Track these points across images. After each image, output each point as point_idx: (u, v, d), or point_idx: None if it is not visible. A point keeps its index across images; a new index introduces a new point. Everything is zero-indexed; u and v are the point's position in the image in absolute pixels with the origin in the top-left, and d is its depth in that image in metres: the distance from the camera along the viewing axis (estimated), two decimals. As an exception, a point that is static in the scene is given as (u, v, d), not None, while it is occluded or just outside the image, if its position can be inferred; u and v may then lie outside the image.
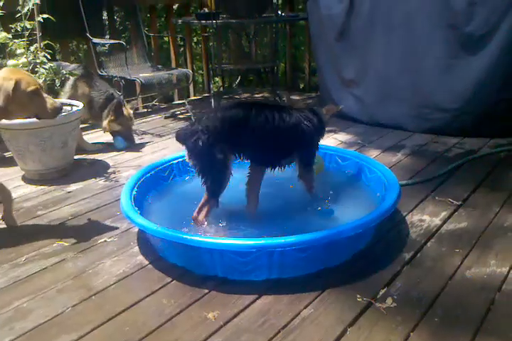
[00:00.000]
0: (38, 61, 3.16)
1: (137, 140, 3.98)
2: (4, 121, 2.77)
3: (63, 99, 3.49)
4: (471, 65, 3.58)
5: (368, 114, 4.20)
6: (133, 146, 3.82)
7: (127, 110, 3.69)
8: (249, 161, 2.40)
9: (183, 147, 2.28)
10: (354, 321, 1.74)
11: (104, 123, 3.66)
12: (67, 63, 3.81)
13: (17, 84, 2.21)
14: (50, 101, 2.33)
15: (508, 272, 1.99)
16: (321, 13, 4.26)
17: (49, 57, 3.25)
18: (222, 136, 2.20)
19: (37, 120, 2.55)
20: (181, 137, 2.26)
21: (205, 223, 2.27)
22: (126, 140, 3.75)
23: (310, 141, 2.41)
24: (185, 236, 1.95)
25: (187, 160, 2.30)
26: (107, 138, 3.87)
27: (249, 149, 2.31)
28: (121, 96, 3.77)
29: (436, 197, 2.72)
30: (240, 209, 2.43)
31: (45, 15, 3.19)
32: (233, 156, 2.30)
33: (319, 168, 2.74)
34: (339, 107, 2.61)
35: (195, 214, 2.28)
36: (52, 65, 3.23)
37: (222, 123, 2.21)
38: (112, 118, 3.63)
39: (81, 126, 3.57)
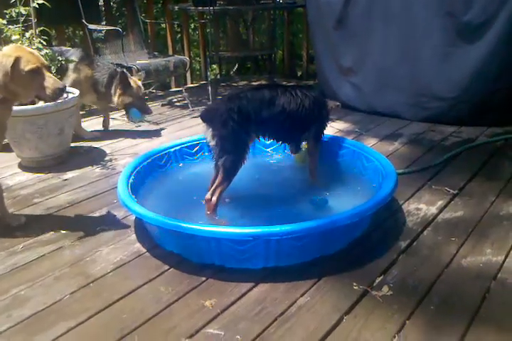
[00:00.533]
0: (33, 47, 3.13)
1: (133, 127, 3.97)
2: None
3: (66, 84, 3.47)
4: (469, 53, 3.57)
5: (365, 103, 4.19)
6: (148, 116, 3.80)
7: (134, 80, 3.60)
8: (271, 140, 2.59)
9: (207, 127, 2.29)
10: (350, 309, 1.75)
11: (115, 99, 3.57)
12: (67, 48, 3.77)
13: (16, 61, 2.08)
14: (51, 81, 2.18)
15: (504, 261, 2.01)
16: (319, 0, 4.22)
17: (44, 43, 3.22)
18: (250, 116, 2.27)
19: (33, 106, 2.51)
20: (207, 117, 2.30)
21: (217, 204, 2.28)
22: (140, 111, 3.63)
23: (326, 116, 2.60)
24: (182, 225, 1.95)
25: (209, 139, 2.31)
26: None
27: (274, 128, 2.42)
28: (125, 69, 3.68)
29: (433, 186, 2.73)
30: (237, 197, 2.44)
31: (41, 1, 3.14)
32: (255, 137, 2.42)
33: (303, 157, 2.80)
34: (337, 104, 2.76)
35: (208, 195, 2.28)
36: (48, 51, 3.19)
37: (251, 104, 2.29)
38: (121, 91, 3.54)
39: (80, 112, 3.56)
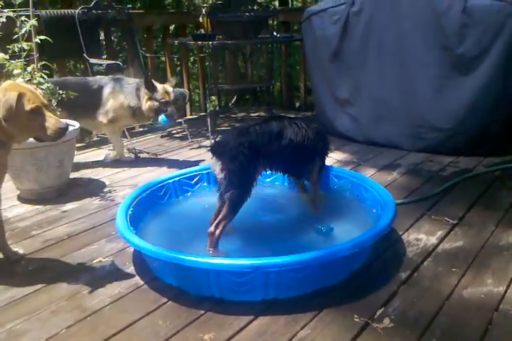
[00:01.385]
0: (34, 81, 3.18)
1: (133, 158, 3.99)
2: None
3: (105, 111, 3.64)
4: (464, 85, 3.63)
5: (362, 133, 4.23)
6: (174, 123, 3.85)
7: (162, 86, 3.56)
8: (278, 173, 2.66)
9: (216, 160, 2.32)
10: (351, 342, 1.72)
11: (143, 107, 3.57)
12: (101, 77, 3.89)
13: (19, 97, 1.99)
14: (52, 120, 2.09)
15: (505, 291, 1.99)
16: (315, 34, 4.33)
17: (46, 77, 3.27)
18: (260, 150, 2.32)
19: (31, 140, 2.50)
20: (217, 150, 2.33)
21: (219, 238, 2.26)
22: (167, 117, 3.56)
23: (327, 147, 2.68)
24: (181, 257, 1.94)
25: (217, 173, 2.32)
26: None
27: (282, 160, 2.47)
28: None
29: (432, 216, 2.73)
30: (240, 229, 2.44)
31: (43, 37, 3.22)
32: (263, 170, 2.46)
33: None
34: None
35: (212, 228, 2.26)
36: (48, 84, 3.25)
37: (261, 138, 2.34)
38: (147, 96, 3.53)
39: (77, 145, 3.58)
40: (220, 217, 2.28)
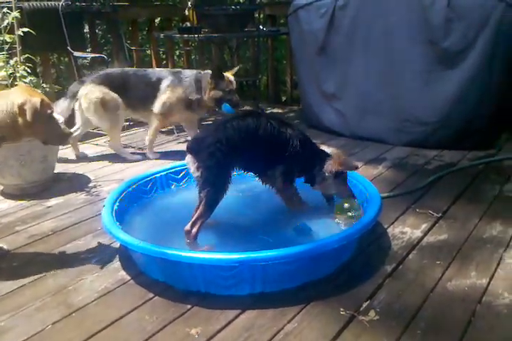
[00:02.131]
0: (17, 74, 3.14)
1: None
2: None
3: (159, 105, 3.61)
4: (449, 79, 3.65)
5: (349, 128, 4.25)
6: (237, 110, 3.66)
7: (225, 75, 3.52)
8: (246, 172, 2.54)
9: (192, 158, 2.28)
10: (338, 335, 1.74)
11: (205, 96, 3.54)
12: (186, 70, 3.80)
13: (43, 102, 2.07)
14: (61, 126, 2.23)
15: (488, 284, 2.02)
16: (301, 28, 4.32)
17: (29, 70, 3.23)
18: (237, 147, 2.27)
19: None
20: (194, 148, 2.29)
21: (195, 239, 2.23)
22: (231, 105, 3.51)
23: (295, 158, 2.42)
24: (167, 251, 1.93)
25: (192, 171, 2.30)
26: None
27: (253, 158, 2.40)
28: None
29: (417, 210, 2.75)
30: (223, 225, 2.44)
31: (25, 29, 3.18)
32: (235, 169, 2.40)
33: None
34: (355, 166, 2.53)
35: (188, 227, 2.24)
36: (32, 78, 3.20)
37: (238, 134, 2.29)
38: (212, 86, 3.49)
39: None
40: (196, 215, 2.26)
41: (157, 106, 3.64)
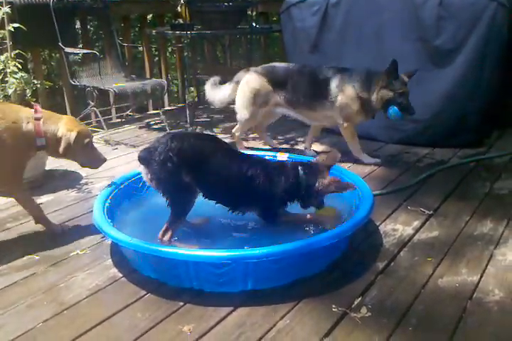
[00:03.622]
0: (8, 70, 3.11)
1: (110, 150, 3.94)
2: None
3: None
4: (440, 77, 3.67)
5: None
6: (406, 118, 3.36)
7: (400, 75, 3.22)
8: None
9: (144, 168, 2.22)
10: (329, 332, 1.75)
11: (373, 96, 3.25)
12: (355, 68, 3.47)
13: (78, 135, 2.34)
14: (97, 152, 2.52)
15: (479, 280, 2.03)
16: (294, 25, 4.32)
17: (20, 66, 3.20)
18: (188, 160, 2.17)
19: None
20: (145, 159, 2.19)
21: (172, 242, 2.20)
22: (401, 109, 3.18)
23: (264, 199, 2.30)
24: (160, 249, 1.93)
25: (148, 182, 2.25)
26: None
27: (207, 186, 2.28)
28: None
29: (409, 207, 2.76)
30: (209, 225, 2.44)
31: (16, 25, 3.15)
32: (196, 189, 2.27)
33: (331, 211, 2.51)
34: (338, 155, 2.42)
35: (160, 235, 2.21)
36: (23, 74, 3.17)
37: (192, 150, 2.19)
38: (383, 83, 3.19)
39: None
40: (166, 224, 2.22)
41: (337, 116, 3.44)
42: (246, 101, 3.59)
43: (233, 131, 3.81)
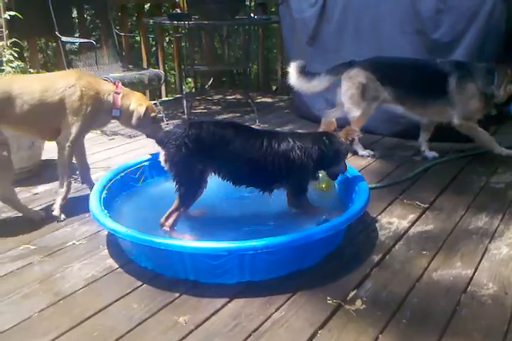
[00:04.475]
0: (4, 59, 3.09)
1: (107, 141, 3.92)
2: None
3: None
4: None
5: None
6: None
7: None
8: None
9: (161, 150, 2.24)
10: (324, 323, 1.76)
11: (499, 91, 3.14)
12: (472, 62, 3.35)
13: (147, 110, 2.66)
14: (160, 126, 2.86)
15: (473, 274, 2.05)
16: (293, 16, 4.30)
17: (16, 55, 3.18)
18: (206, 149, 2.19)
19: None
20: (163, 140, 2.23)
21: (172, 229, 2.22)
22: None
23: (299, 171, 2.30)
24: (156, 240, 1.93)
25: (162, 163, 2.26)
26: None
27: (229, 171, 2.29)
28: None
29: (405, 200, 2.77)
30: (209, 215, 2.44)
31: (12, 13, 3.12)
32: (211, 171, 2.28)
33: (327, 185, 2.66)
34: (358, 132, 2.47)
35: (162, 220, 2.23)
36: (19, 63, 3.15)
37: (211, 138, 2.20)
38: (508, 79, 3.07)
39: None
40: (171, 208, 2.24)
41: (456, 112, 3.29)
42: (354, 97, 3.43)
43: None
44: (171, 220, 2.22)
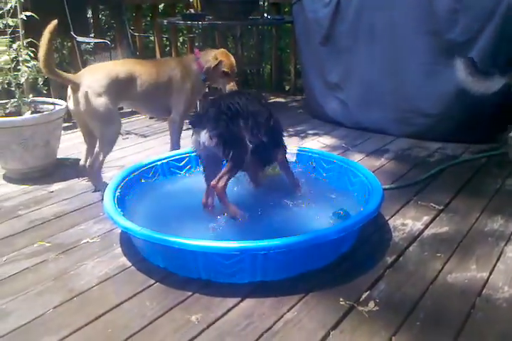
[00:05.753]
0: (20, 59, 3.12)
1: (121, 140, 3.94)
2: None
3: None
4: (453, 71, 3.62)
5: (352, 118, 4.23)
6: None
7: None
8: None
9: (201, 130, 2.27)
10: (337, 324, 1.75)
11: None
12: None
13: (219, 63, 2.98)
14: (232, 84, 3.07)
15: (488, 277, 2.02)
16: (306, 16, 4.29)
17: (32, 54, 3.20)
18: (241, 116, 2.28)
19: (20, 117, 2.84)
20: (197, 121, 2.32)
21: (223, 191, 2.29)
22: None
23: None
24: (169, 238, 1.94)
25: (207, 143, 2.28)
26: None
27: (257, 138, 2.37)
28: None
29: (419, 202, 2.75)
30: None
31: (29, 13, 3.14)
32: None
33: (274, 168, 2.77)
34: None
35: (214, 182, 2.27)
36: (35, 62, 3.17)
37: (243, 105, 2.30)
38: None
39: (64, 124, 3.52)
40: (223, 171, 2.29)
41: None
42: None
43: None
44: (223, 181, 2.27)
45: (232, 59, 3.09)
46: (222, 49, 3.16)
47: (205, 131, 2.27)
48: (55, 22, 2.58)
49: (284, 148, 2.64)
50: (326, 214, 2.38)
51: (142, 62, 3.06)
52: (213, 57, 3.01)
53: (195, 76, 3.04)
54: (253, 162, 2.46)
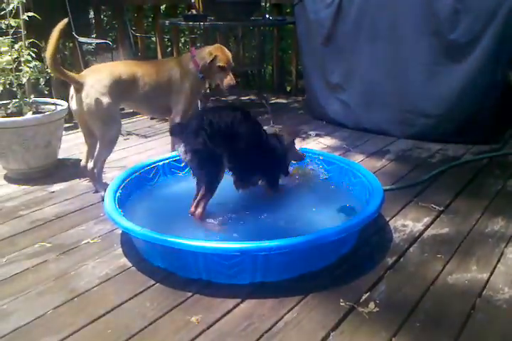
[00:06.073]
0: (22, 59, 3.12)
1: (122, 140, 3.95)
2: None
3: None
4: (455, 72, 3.62)
5: (353, 119, 4.23)
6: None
7: None
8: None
9: (179, 141, 2.27)
10: (337, 326, 1.75)
11: None
12: None
13: (214, 59, 2.94)
14: (229, 78, 3.01)
15: (489, 278, 2.02)
16: (308, 17, 4.29)
17: (34, 55, 3.21)
18: (222, 135, 2.25)
19: (22, 118, 2.81)
20: (177, 131, 2.30)
21: (203, 217, 2.29)
22: None
23: (278, 164, 2.61)
24: (169, 239, 1.94)
25: (182, 155, 2.28)
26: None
27: (236, 160, 2.35)
28: None
29: (419, 203, 2.75)
30: (231, 208, 2.45)
31: (31, 14, 3.15)
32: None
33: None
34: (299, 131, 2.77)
35: (192, 208, 2.29)
36: (37, 63, 3.18)
37: (227, 125, 2.26)
38: None
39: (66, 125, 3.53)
40: (199, 196, 2.31)
41: None
42: None
43: None
44: (200, 208, 2.28)
45: (228, 53, 3.05)
46: (217, 44, 3.13)
47: (183, 144, 2.26)
48: (65, 20, 2.62)
49: (272, 180, 2.60)
50: (329, 214, 2.40)
51: (143, 62, 3.07)
52: (208, 53, 2.98)
53: (193, 75, 3.02)
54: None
